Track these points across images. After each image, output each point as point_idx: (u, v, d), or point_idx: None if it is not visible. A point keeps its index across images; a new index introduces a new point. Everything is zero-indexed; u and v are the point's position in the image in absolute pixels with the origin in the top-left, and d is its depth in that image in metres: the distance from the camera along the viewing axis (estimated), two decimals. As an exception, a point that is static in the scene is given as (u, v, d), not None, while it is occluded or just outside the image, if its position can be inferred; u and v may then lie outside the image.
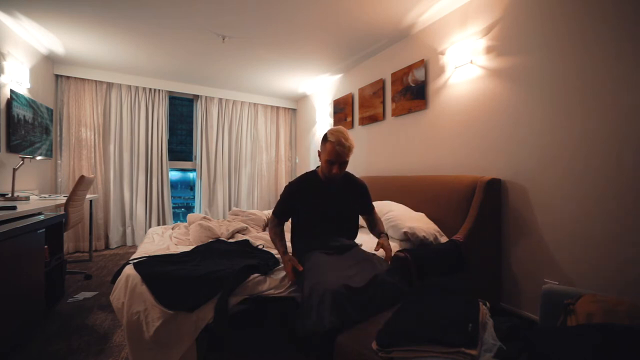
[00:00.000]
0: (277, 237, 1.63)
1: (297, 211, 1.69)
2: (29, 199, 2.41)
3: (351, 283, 1.26)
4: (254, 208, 4.84)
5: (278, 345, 1.70)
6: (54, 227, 2.19)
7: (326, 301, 1.16)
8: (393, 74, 2.99)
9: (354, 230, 1.78)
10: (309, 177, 1.69)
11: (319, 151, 1.62)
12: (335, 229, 1.67)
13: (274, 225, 1.68)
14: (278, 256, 1.75)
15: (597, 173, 1.63)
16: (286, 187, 1.70)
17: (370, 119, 3.34)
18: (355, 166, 3.50)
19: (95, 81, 3.81)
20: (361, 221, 1.87)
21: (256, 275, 1.51)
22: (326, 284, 1.23)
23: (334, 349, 1.14)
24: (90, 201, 3.32)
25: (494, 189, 2.01)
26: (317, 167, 1.72)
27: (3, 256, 1.43)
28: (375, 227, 1.76)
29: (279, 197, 1.71)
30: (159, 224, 4.10)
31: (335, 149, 1.48)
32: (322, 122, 4.39)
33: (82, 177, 2.56)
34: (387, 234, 1.69)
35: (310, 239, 1.62)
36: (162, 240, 2.20)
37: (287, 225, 1.85)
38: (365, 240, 2.10)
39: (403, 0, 2.30)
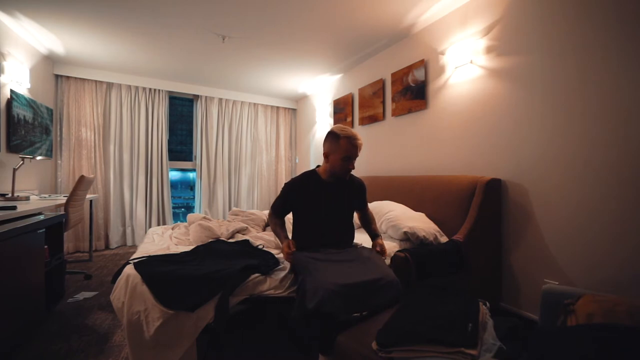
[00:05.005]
0: (278, 226, 1.67)
1: (296, 210, 1.69)
2: (29, 199, 2.41)
3: (348, 279, 1.29)
4: (254, 208, 4.84)
5: (278, 345, 1.70)
6: (54, 227, 2.19)
7: (321, 295, 1.20)
8: (393, 74, 2.99)
9: (352, 230, 1.78)
10: (309, 176, 1.68)
11: (325, 152, 1.59)
12: (335, 228, 1.67)
13: (273, 218, 1.71)
14: (278, 256, 1.75)
15: (597, 173, 1.63)
16: (286, 184, 1.69)
17: (370, 119, 3.34)
18: (356, 166, 3.49)
19: (95, 81, 3.81)
20: (356, 219, 1.88)
21: (256, 275, 1.51)
22: (325, 285, 1.24)
23: (333, 349, 1.14)
24: (90, 201, 3.32)
25: (494, 189, 2.01)
26: (317, 166, 1.72)
27: (3, 256, 1.43)
28: (370, 224, 1.79)
29: (278, 193, 1.73)
30: (159, 224, 4.10)
31: (352, 144, 1.52)
32: (322, 122, 4.39)
33: (82, 177, 2.56)
34: (380, 236, 1.76)
35: (310, 238, 1.62)
36: (162, 240, 2.20)
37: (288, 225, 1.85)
38: (364, 240, 2.10)
39: (403, 0, 2.30)
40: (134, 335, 1.28)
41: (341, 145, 1.51)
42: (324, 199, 1.62)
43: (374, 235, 1.74)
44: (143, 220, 4.06)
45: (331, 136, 1.56)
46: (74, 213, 2.60)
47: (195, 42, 3.04)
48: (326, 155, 1.59)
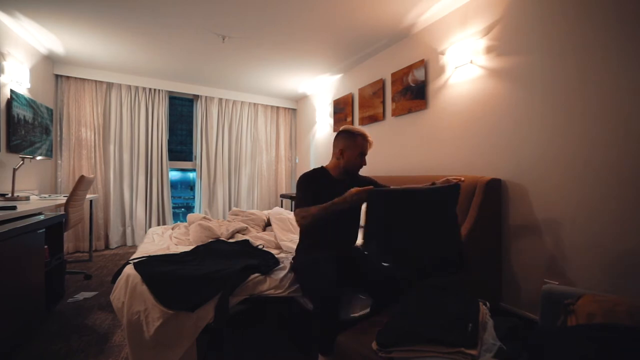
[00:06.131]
0: (317, 206, 1.44)
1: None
2: (29, 199, 2.41)
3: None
4: (254, 208, 4.84)
5: (278, 345, 1.70)
6: (54, 227, 2.19)
7: None
8: (393, 74, 2.99)
9: (357, 229, 1.77)
10: (320, 173, 1.65)
11: (340, 149, 1.60)
12: (344, 226, 1.66)
13: (300, 213, 1.46)
14: (278, 256, 1.75)
15: (597, 173, 1.62)
16: (304, 176, 1.60)
17: (370, 119, 3.34)
18: (355, 166, 3.49)
19: (95, 81, 3.81)
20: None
21: (256, 275, 1.51)
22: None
23: (333, 349, 1.14)
24: (90, 201, 3.32)
25: (494, 189, 2.01)
26: (322, 166, 1.69)
27: (3, 256, 1.43)
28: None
29: (296, 193, 1.57)
30: (159, 224, 4.10)
31: (367, 140, 1.60)
32: (322, 122, 4.39)
33: (82, 177, 2.56)
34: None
35: (320, 235, 1.56)
36: (162, 240, 2.20)
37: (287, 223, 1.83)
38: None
39: (403, 0, 2.30)
40: (134, 335, 1.28)
41: (357, 142, 1.59)
42: (335, 196, 1.60)
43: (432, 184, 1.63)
44: (143, 220, 4.06)
45: (346, 134, 1.61)
46: (74, 213, 2.60)
47: (195, 42, 3.03)
48: (341, 152, 1.61)
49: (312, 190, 1.53)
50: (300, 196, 1.54)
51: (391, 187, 1.44)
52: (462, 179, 1.48)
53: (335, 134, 3.97)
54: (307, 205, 1.46)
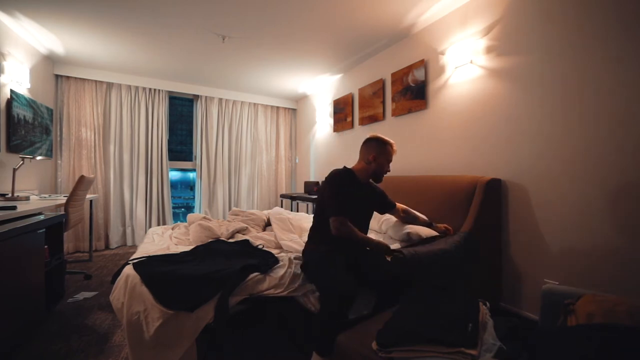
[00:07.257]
0: (355, 233, 1.55)
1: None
2: (29, 199, 2.41)
3: None
4: (254, 208, 4.84)
5: (278, 345, 1.70)
6: (54, 227, 2.19)
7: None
8: (393, 74, 2.99)
9: (367, 229, 1.81)
10: (349, 175, 1.68)
11: (373, 156, 1.66)
12: (356, 226, 1.68)
13: (347, 226, 1.53)
14: (278, 255, 1.75)
15: (596, 173, 1.63)
16: (335, 179, 1.63)
17: (370, 119, 3.34)
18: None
19: (95, 81, 3.81)
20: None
21: (256, 274, 1.51)
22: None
23: (334, 349, 1.14)
24: (91, 201, 3.32)
25: (494, 189, 2.01)
26: (345, 167, 1.71)
27: (3, 256, 1.43)
28: (416, 218, 1.96)
29: (327, 188, 1.61)
30: (159, 224, 4.10)
31: (394, 149, 1.72)
32: (322, 122, 4.39)
33: (82, 177, 2.56)
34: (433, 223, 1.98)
35: (334, 237, 1.55)
36: (162, 240, 2.20)
37: (296, 221, 1.82)
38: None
39: (403, 0, 2.30)
40: (133, 336, 1.28)
41: (388, 150, 1.69)
42: (357, 198, 1.66)
43: (428, 224, 1.95)
44: (143, 220, 4.06)
45: (377, 142, 1.69)
46: (74, 213, 2.60)
47: (195, 42, 3.03)
48: (374, 158, 1.67)
49: (343, 192, 1.60)
50: (333, 197, 1.58)
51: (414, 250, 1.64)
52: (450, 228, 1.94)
53: (333, 133, 3.94)
54: (340, 207, 1.55)
